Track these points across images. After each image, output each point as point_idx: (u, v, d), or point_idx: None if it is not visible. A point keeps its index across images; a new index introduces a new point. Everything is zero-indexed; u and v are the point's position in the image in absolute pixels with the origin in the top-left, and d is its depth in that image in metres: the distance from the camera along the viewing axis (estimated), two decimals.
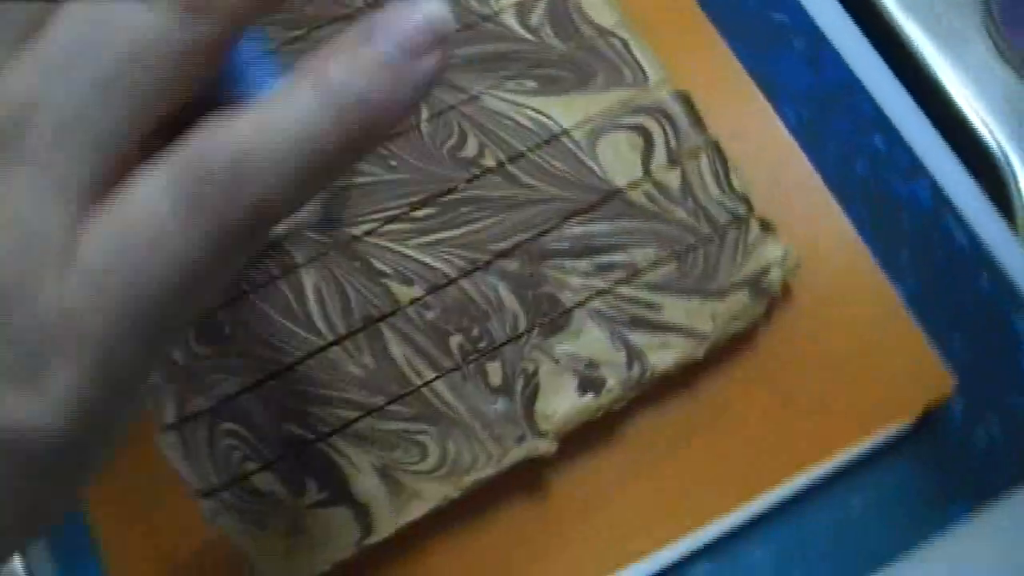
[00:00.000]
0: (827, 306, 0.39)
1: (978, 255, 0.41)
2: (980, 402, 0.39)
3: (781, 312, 0.39)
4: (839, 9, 0.44)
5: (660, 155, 0.39)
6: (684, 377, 0.38)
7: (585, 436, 0.37)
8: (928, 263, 0.41)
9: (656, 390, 0.38)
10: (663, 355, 0.37)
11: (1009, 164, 0.43)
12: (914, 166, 0.41)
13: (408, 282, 0.37)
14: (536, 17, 0.41)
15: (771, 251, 0.38)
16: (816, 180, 0.41)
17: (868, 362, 0.39)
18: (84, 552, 0.38)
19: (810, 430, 0.38)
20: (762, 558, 0.38)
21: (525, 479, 0.37)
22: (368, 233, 0.38)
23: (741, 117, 0.41)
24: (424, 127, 0.39)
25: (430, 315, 0.37)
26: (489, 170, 0.39)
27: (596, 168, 0.39)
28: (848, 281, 0.40)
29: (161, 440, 0.36)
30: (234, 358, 0.36)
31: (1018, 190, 0.43)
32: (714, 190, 0.39)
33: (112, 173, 0.21)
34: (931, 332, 0.39)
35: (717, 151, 0.39)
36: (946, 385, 0.38)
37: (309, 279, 0.37)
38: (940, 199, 0.41)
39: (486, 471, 0.35)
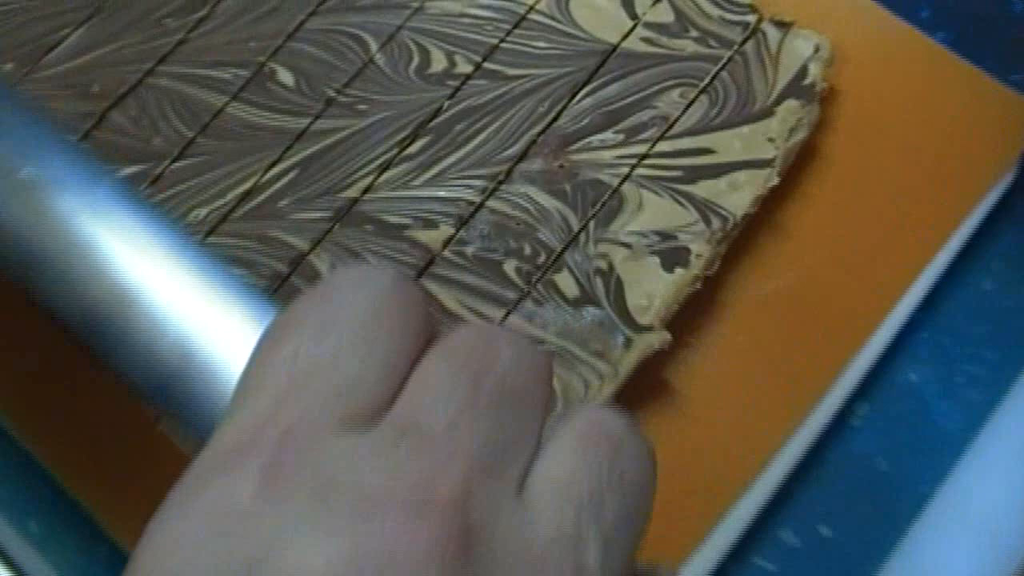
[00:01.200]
0: (879, 85, 0.35)
1: None
2: None
3: (835, 112, 0.35)
4: None
5: None
6: (767, 215, 0.33)
7: (690, 321, 0.32)
8: (949, 11, 0.36)
9: (743, 241, 0.33)
10: (736, 197, 0.32)
11: None
12: None
13: (432, 225, 0.32)
14: None
15: (801, 47, 0.34)
16: None
17: (948, 123, 0.34)
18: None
19: (919, 218, 0.33)
20: (919, 379, 0.33)
21: (646, 385, 0.32)
22: (367, 190, 0.32)
23: None
24: (379, 58, 0.34)
25: (471, 249, 0.31)
26: (468, 77, 0.33)
27: (580, 33, 0.34)
28: (888, 53, 0.35)
29: None
30: None
31: None
32: (712, 9, 0.34)
33: None
34: (992, 72, 0.35)
35: None
36: None
37: (322, 263, 0.31)
38: None
39: (605, 392, 0.30)
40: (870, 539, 0.32)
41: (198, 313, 0.20)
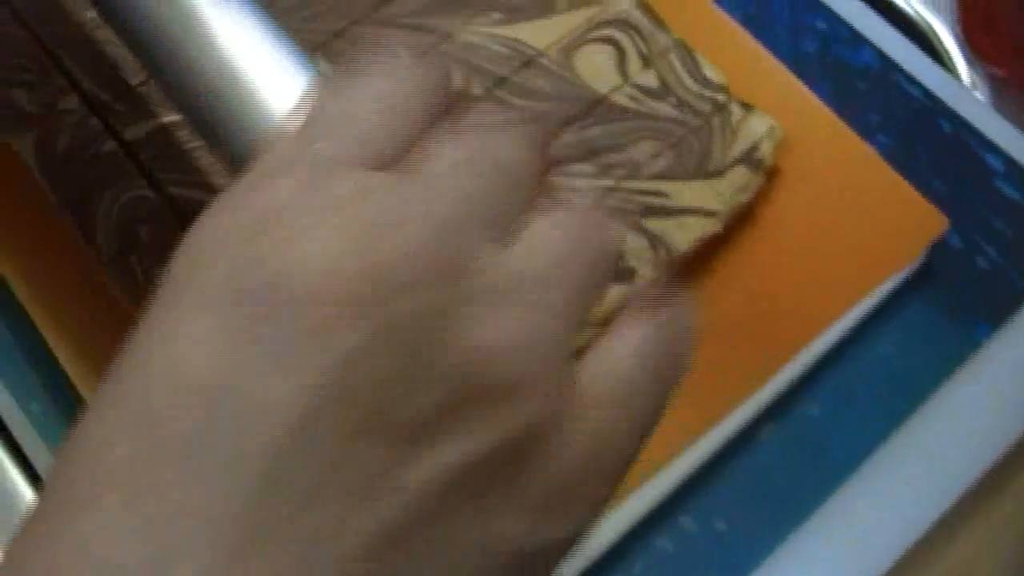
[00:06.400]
0: (816, 173, 0.41)
1: (934, 105, 0.43)
2: (972, 233, 0.41)
3: (775, 187, 0.41)
4: None
5: (633, 60, 0.41)
6: (703, 259, 0.39)
7: None
8: (892, 120, 0.43)
9: (680, 276, 0.39)
10: (683, 234, 0.38)
11: (929, 25, 0.47)
12: (855, 37, 0.44)
13: None
14: None
15: (757, 126, 0.40)
16: (775, 63, 0.43)
17: (866, 215, 0.40)
18: None
19: (828, 287, 0.39)
20: (819, 413, 0.39)
21: None
22: None
23: (692, 21, 0.43)
24: None
25: None
26: (477, 98, 0.40)
27: (577, 81, 0.40)
28: (828, 148, 0.42)
29: None
30: None
31: (943, 47, 0.47)
32: (690, 83, 0.41)
33: None
34: (913, 180, 0.41)
35: (685, 48, 0.41)
36: (940, 222, 0.40)
37: None
38: (887, 63, 0.44)
39: None
40: (756, 537, 0.37)
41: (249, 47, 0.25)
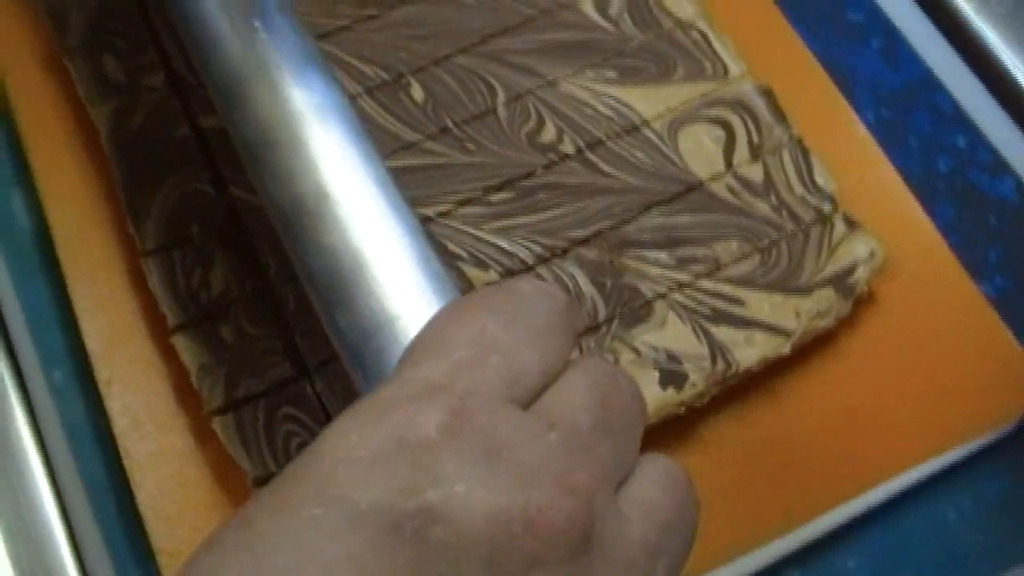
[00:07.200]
0: (913, 308, 0.38)
1: None
2: None
3: (865, 314, 0.38)
4: (914, 7, 0.43)
5: (742, 148, 0.38)
6: (767, 376, 0.36)
7: (663, 435, 0.35)
8: (1017, 262, 0.39)
9: (737, 389, 0.36)
10: (748, 351, 0.35)
11: None
12: (998, 163, 0.40)
13: (483, 266, 0.35)
14: (615, 7, 0.40)
15: (858, 249, 0.37)
16: (896, 179, 0.39)
17: (958, 366, 0.37)
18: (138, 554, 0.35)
19: (899, 437, 0.36)
20: (855, 568, 0.36)
21: None
22: (442, 215, 0.36)
23: (818, 114, 0.40)
24: (501, 111, 0.38)
25: None
26: (567, 157, 0.37)
27: (677, 159, 0.38)
28: (932, 282, 0.38)
29: (215, 424, 0.34)
30: (298, 337, 0.34)
31: None
32: (797, 186, 0.38)
33: None
34: (1021, 334, 0.38)
35: (800, 147, 0.38)
36: None
37: None
38: None
39: None
40: None
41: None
